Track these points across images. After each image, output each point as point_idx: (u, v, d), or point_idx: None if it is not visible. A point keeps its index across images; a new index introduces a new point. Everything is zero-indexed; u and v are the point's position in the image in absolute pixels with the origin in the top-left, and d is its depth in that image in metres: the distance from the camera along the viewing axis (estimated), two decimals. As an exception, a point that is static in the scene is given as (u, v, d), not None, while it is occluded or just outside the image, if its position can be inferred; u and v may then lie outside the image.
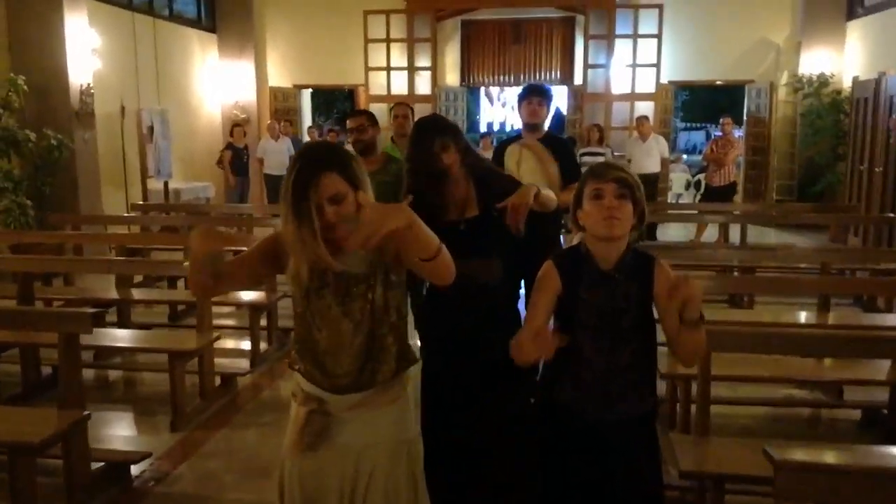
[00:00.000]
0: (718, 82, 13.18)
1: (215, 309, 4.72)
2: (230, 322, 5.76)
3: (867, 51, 10.95)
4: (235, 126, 11.40)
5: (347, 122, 4.27)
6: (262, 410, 4.37)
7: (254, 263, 1.98)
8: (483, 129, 23.47)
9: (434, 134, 2.53)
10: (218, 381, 4.49)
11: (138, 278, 6.38)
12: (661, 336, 2.07)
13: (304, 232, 1.78)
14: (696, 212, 8.98)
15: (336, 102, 23.09)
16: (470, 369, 2.53)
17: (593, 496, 2.07)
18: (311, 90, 15.63)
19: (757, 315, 4.91)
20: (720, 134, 10.04)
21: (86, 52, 8.55)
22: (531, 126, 4.02)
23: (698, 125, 32.56)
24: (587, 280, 2.01)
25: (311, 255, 1.82)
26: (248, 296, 5.17)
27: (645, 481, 2.08)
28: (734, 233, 7.60)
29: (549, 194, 2.66)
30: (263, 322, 5.30)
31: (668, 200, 12.09)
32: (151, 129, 10.23)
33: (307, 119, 15.48)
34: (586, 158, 9.91)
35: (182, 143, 11.72)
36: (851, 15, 11.67)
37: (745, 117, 12.74)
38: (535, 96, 3.98)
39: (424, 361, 2.56)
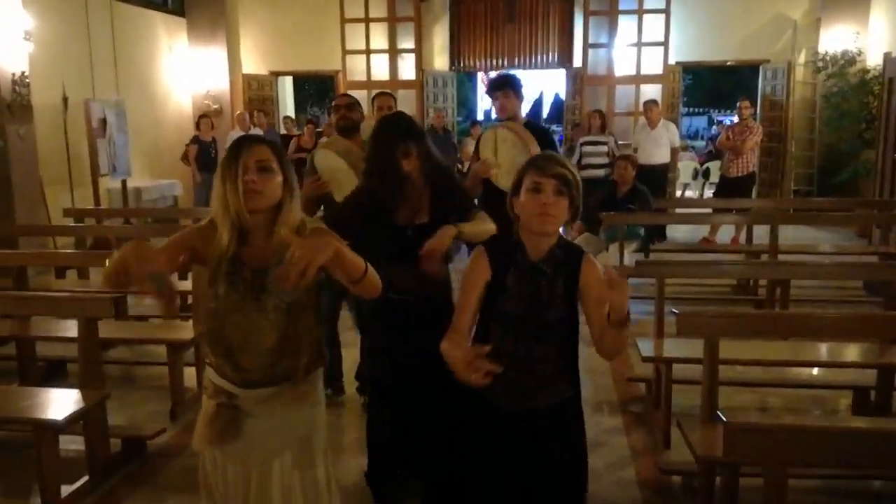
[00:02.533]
0: (729, 62, 12.12)
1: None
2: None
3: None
4: (202, 117, 10.39)
5: (336, 100, 4.22)
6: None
7: (173, 252, 1.95)
8: (481, 116, 22.57)
9: (398, 138, 2.56)
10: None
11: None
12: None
13: (230, 188, 1.87)
14: (709, 210, 7.94)
15: (330, 92, 21.93)
16: (414, 380, 2.66)
17: (509, 488, 2.06)
18: (292, 77, 14.68)
19: (792, 352, 3.88)
20: (734, 119, 8.97)
21: (18, 36, 7.53)
22: (504, 121, 4.08)
23: (701, 110, 31.54)
24: (515, 270, 2.01)
25: (233, 213, 1.88)
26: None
27: (564, 476, 2.09)
28: (756, 231, 6.68)
29: (476, 230, 2.68)
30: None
31: (676, 191, 11.15)
32: (104, 122, 9.19)
33: (288, 109, 14.48)
34: (587, 148, 8.94)
35: (145, 136, 10.74)
36: (876, -13, 10.69)
37: (759, 100, 11.69)
38: (497, 91, 4.03)
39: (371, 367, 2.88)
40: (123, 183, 9.48)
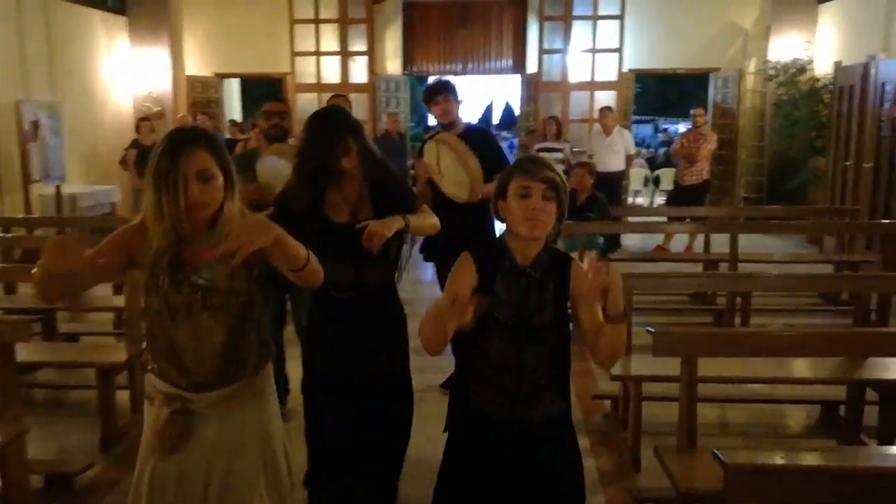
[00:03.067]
0: (681, 70, 12.17)
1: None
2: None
3: (844, 35, 10.09)
4: (142, 121, 9.93)
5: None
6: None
7: (106, 257, 1.88)
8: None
9: (337, 133, 2.47)
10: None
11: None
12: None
13: (167, 200, 1.77)
14: (664, 218, 7.85)
15: (279, 94, 21.44)
16: (353, 377, 2.61)
17: (503, 497, 1.98)
18: (240, 80, 14.22)
19: (762, 367, 3.71)
20: (680, 128, 8.95)
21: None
22: (445, 125, 4.06)
23: (647, 118, 31.95)
24: (503, 275, 1.96)
25: (170, 224, 1.80)
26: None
27: (562, 491, 2.01)
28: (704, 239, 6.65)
29: (422, 223, 2.69)
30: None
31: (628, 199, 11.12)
32: (36, 124, 8.68)
33: (234, 112, 14.03)
34: (543, 154, 8.79)
35: (82, 140, 10.21)
36: (823, -3, 10.85)
37: (709, 109, 11.75)
38: (437, 95, 3.97)
39: (307, 365, 2.73)
40: (58, 189, 8.97)
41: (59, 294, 1.87)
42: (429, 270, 6.71)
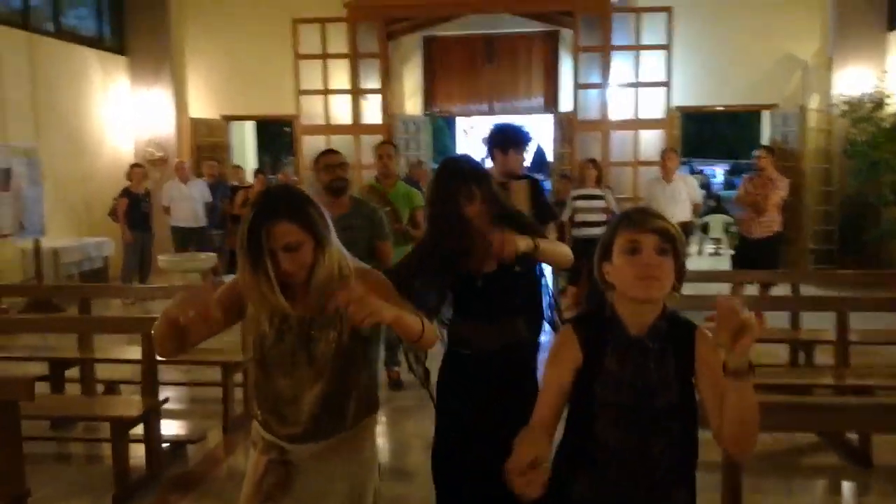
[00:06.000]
0: (734, 108, 10.96)
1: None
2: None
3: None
4: (134, 167, 9.02)
5: (323, 158, 3.97)
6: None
7: (217, 314, 1.82)
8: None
9: (459, 182, 2.44)
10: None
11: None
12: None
13: (262, 281, 1.81)
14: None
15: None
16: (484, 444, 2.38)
17: None
18: (255, 123, 13.37)
19: None
20: (753, 172, 7.64)
21: None
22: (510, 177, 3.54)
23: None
24: (614, 348, 1.70)
25: (269, 306, 1.85)
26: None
27: None
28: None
29: (554, 248, 2.59)
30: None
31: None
32: (8, 172, 7.73)
33: (248, 158, 13.12)
34: (580, 203, 7.62)
35: (69, 189, 9.36)
36: (894, 24, 9.65)
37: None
38: (521, 147, 3.51)
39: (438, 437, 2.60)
40: (36, 243, 8.00)
41: (178, 348, 1.90)
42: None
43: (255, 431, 2.00)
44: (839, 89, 9.78)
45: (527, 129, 3.62)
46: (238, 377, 4.73)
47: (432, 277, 2.46)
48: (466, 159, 2.64)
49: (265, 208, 1.80)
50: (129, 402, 4.14)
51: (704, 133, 27.63)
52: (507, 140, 3.46)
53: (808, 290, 6.10)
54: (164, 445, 4.07)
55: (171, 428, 4.49)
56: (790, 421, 2.77)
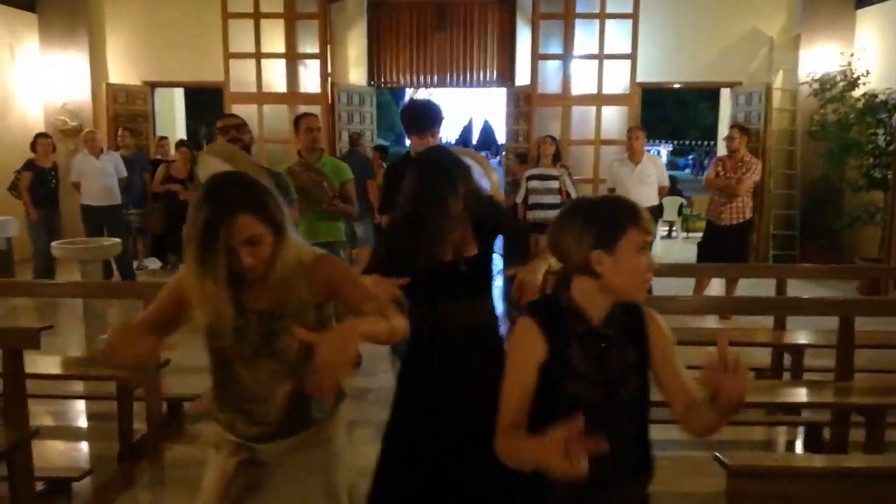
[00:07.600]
0: (694, 85, 10.44)
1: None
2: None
3: (890, 45, 8.46)
4: (39, 138, 7.97)
5: (220, 121, 3.95)
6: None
7: (166, 316, 1.83)
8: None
9: (447, 184, 2.38)
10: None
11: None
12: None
13: (206, 283, 1.69)
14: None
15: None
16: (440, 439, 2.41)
17: None
18: (184, 90, 12.31)
19: None
20: (724, 153, 7.07)
21: None
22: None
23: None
24: (576, 341, 1.66)
25: (212, 308, 1.72)
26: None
27: None
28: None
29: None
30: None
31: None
32: None
33: (178, 128, 12.10)
34: (535, 184, 7.00)
35: (-32, 160, 8.24)
36: (862, 2, 9.23)
37: (720, 129, 10.04)
38: (428, 130, 3.31)
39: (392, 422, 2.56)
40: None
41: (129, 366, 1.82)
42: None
43: (216, 434, 1.91)
44: (806, 68, 9.36)
45: (436, 111, 3.48)
46: (140, 391, 4.01)
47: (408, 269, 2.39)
48: (446, 154, 2.59)
49: (221, 201, 1.66)
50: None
51: (651, 113, 27.53)
52: (412, 120, 3.34)
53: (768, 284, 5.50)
54: (39, 485, 3.31)
55: (50, 458, 3.74)
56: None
